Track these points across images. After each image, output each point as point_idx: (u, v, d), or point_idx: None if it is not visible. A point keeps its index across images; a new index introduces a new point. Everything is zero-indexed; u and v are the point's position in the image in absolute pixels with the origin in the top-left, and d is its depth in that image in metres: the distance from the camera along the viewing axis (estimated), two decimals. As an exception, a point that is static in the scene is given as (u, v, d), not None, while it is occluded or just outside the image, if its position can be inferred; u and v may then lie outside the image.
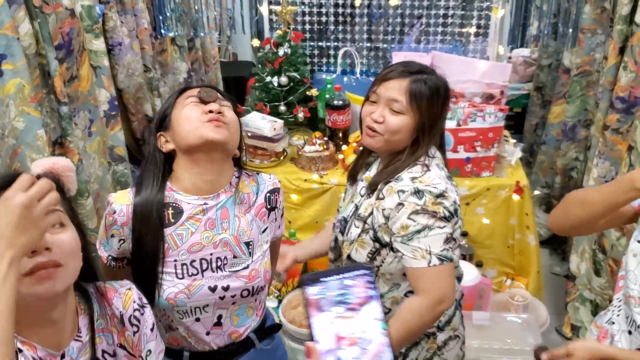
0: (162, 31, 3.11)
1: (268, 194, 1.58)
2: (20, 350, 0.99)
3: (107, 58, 2.53)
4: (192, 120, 1.40)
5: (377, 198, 1.61)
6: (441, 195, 1.53)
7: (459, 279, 1.84)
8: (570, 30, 3.33)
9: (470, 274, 2.54)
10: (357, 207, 1.69)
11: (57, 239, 1.00)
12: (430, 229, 1.52)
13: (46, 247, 0.97)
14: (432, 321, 1.62)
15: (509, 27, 3.28)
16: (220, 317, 1.52)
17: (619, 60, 2.79)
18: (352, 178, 1.81)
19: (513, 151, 2.89)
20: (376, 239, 1.62)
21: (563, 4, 3.49)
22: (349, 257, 1.68)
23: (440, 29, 3.40)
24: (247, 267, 1.51)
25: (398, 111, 1.57)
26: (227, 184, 1.50)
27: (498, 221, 2.82)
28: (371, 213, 1.62)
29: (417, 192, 1.53)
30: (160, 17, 3.08)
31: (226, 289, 1.48)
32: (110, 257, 1.47)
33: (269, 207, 1.58)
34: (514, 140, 3.08)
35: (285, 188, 2.84)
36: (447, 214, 1.53)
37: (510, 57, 4.12)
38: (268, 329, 1.67)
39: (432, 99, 1.58)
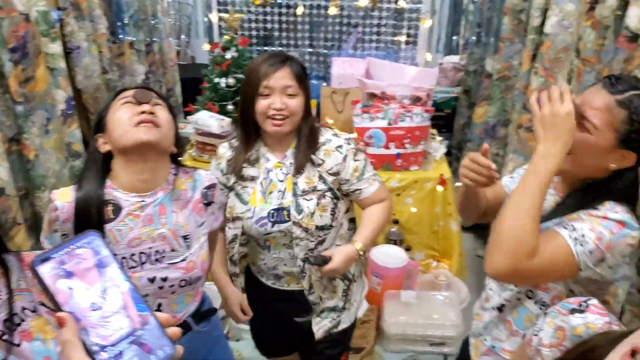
0: (121, 36, 3.19)
1: (205, 190, 1.61)
2: None
3: (65, 60, 2.58)
4: (124, 122, 1.41)
5: (317, 165, 1.77)
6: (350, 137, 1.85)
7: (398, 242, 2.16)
8: (492, 39, 3.59)
9: (399, 257, 2.70)
10: (294, 187, 1.75)
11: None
12: (366, 160, 1.84)
13: None
14: (389, 218, 1.97)
15: (437, 36, 3.46)
16: (160, 305, 1.55)
17: (531, 67, 3.04)
18: (241, 179, 1.82)
19: (438, 147, 3.09)
20: (334, 196, 1.79)
21: (486, 15, 3.75)
22: (317, 227, 1.76)
23: (374, 37, 3.58)
24: (184, 260, 1.53)
25: (293, 94, 1.70)
26: (164, 181, 1.51)
27: (424, 210, 2.98)
28: (320, 179, 1.76)
29: (348, 139, 1.81)
30: (119, 23, 3.17)
31: (165, 279, 1.51)
32: None
33: (205, 202, 1.61)
34: (440, 138, 3.27)
35: None
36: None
37: (441, 64, 4.32)
38: (204, 313, 1.71)
39: (306, 74, 1.77)
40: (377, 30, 3.57)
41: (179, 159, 1.62)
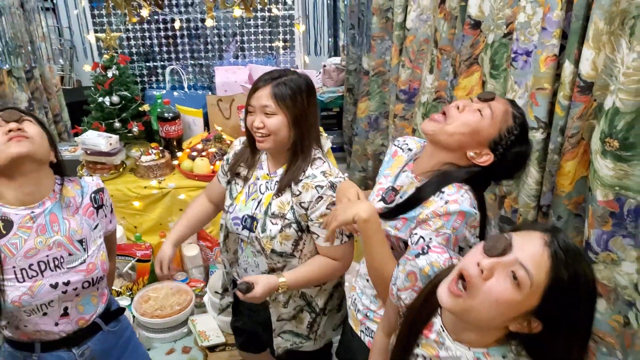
0: (-4, 64, 3.08)
1: (93, 194, 1.64)
2: None
3: None
4: None
5: (293, 195, 1.74)
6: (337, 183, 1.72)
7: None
8: (365, 38, 3.76)
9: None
10: (269, 206, 1.79)
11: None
12: None
13: None
14: (330, 278, 1.88)
15: (314, 39, 3.58)
16: (66, 308, 1.57)
17: (399, 60, 3.23)
18: (236, 175, 1.91)
19: (325, 142, 3.20)
20: (299, 229, 1.76)
21: (358, 16, 3.92)
22: (272, 251, 1.79)
23: (253, 44, 3.65)
24: (84, 262, 1.56)
25: (271, 113, 1.69)
26: (50, 191, 1.53)
27: None
28: (291, 209, 1.75)
29: (332, 186, 1.70)
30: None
31: (67, 284, 1.53)
32: None
33: (95, 205, 1.64)
34: (325, 134, 3.40)
35: (127, 197, 2.91)
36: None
37: (325, 66, 4.46)
38: (113, 313, 1.73)
39: (294, 95, 1.70)
40: (255, 38, 3.64)
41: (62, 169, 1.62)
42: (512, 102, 1.50)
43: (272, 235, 1.78)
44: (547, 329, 0.99)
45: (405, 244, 1.53)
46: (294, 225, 1.77)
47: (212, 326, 2.66)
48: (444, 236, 1.41)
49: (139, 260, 2.82)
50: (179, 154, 3.09)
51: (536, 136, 1.74)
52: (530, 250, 0.97)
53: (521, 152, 1.46)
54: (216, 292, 2.31)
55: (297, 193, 1.73)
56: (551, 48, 1.66)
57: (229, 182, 1.96)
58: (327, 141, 3.24)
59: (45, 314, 1.54)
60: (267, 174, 1.84)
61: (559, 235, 0.98)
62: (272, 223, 1.78)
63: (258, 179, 1.86)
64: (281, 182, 1.78)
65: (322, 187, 1.71)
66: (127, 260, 2.82)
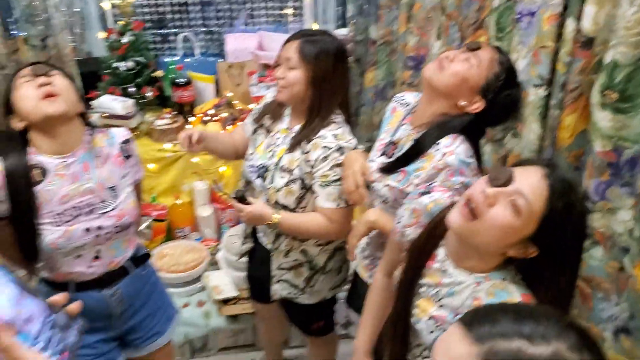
0: (14, 32, 3.14)
1: (122, 144, 1.74)
2: None
3: None
4: (29, 99, 1.50)
5: (303, 152, 1.80)
6: (354, 149, 1.78)
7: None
8: (373, 8, 3.80)
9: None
10: (280, 159, 1.86)
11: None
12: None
13: None
14: (322, 238, 1.92)
15: (322, 8, 3.62)
16: (98, 251, 1.68)
17: (407, 28, 3.28)
18: (260, 126, 1.99)
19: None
20: (303, 186, 1.83)
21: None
22: (276, 202, 1.86)
23: (263, 11, 3.70)
24: (115, 208, 1.66)
25: (292, 67, 1.75)
26: (82, 141, 1.62)
27: None
28: (298, 166, 1.81)
29: (339, 149, 1.75)
30: (9, 19, 3.11)
31: (99, 228, 1.63)
32: None
33: (124, 155, 1.74)
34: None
35: (142, 159, 2.95)
36: None
37: (332, 36, 4.52)
38: (140, 258, 1.84)
39: (319, 55, 1.74)
40: (265, 5, 3.69)
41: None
42: (499, 49, 1.58)
43: (278, 187, 1.85)
44: (542, 254, 1.08)
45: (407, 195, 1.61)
46: (299, 182, 1.83)
47: (225, 281, 2.77)
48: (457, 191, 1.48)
49: (155, 220, 2.92)
50: (192, 118, 3.16)
51: (538, 93, 1.81)
52: (529, 181, 1.06)
53: (511, 94, 1.54)
54: (235, 242, 2.38)
55: (306, 151, 1.80)
56: (554, 7, 1.72)
57: (254, 132, 2.02)
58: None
59: (78, 256, 1.64)
60: (287, 129, 1.91)
61: (556, 169, 1.08)
62: (280, 176, 1.85)
63: (278, 132, 1.93)
64: (294, 138, 1.84)
65: (329, 148, 1.76)
66: (144, 219, 2.92)
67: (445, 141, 1.53)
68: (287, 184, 1.84)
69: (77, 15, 3.70)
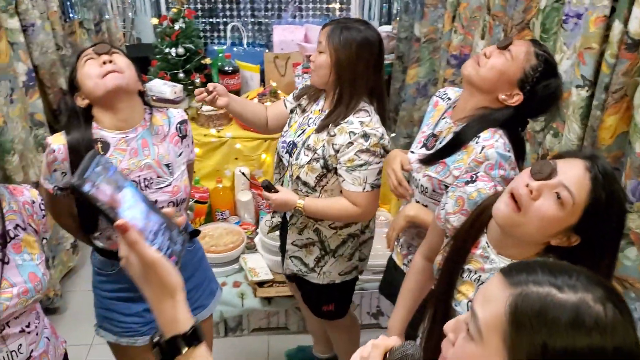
0: (71, 15, 3.28)
1: (178, 125, 1.80)
2: None
3: (23, 35, 2.69)
4: (92, 76, 1.59)
5: (329, 134, 1.85)
6: (381, 137, 1.82)
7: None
8: (419, 6, 3.84)
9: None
10: (307, 138, 1.92)
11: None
12: (370, 164, 1.82)
13: None
14: (346, 221, 1.98)
15: (368, 4, 3.66)
16: None
17: (451, 27, 3.31)
18: (298, 105, 2.07)
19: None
20: (325, 167, 1.89)
21: (412, -16, 3.99)
22: (298, 177, 1.94)
23: (311, 5, 3.77)
24: (170, 184, 1.74)
25: (321, 51, 1.83)
26: (142, 119, 1.71)
27: None
28: (322, 146, 1.87)
29: (365, 135, 1.80)
30: (68, 3, 3.25)
31: (154, 202, 1.67)
32: (56, 188, 1.67)
33: (180, 135, 1.80)
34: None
35: None
36: (383, 152, 1.84)
37: (376, 32, 4.57)
38: (189, 233, 1.94)
39: (347, 42, 1.78)
40: (313, -1, 3.77)
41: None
42: (535, 42, 1.62)
43: (301, 164, 1.91)
44: (583, 242, 1.13)
45: (447, 187, 1.66)
46: (321, 162, 1.88)
47: (261, 264, 2.85)
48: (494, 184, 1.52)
49: (197, 202, 3.02)
50: (237, 106, 3.24)
51: (581, 94, 1.83)
52: (573, 173, 1.10)
53: (549, 85, 1.58)
54: (267, 220, 2.46)
55: (333, 134, 1.85)
56: (602, 9, 1.74)
57: (292, 111, 2.10)
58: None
59: None
60: (319, 110, 1.98)
61: (598, 161, 1.11)
62: (304, 154, 1.91)
63: (312, 112, 2.00)
64: (323, 121, 1.90)
65: (355, 133, 1.80)
66: (186, 200, 3.03)
67: (485, 135, 1.57)
68: (309, 162, 1.90)
69: (128, 2, 3.85)
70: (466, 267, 1.31)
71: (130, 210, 0.91)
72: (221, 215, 3.16)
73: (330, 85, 1.88)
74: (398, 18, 4.33)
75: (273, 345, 2.84)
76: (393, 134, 3.64)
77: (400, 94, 4.45)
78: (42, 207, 1.53)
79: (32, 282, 1.39)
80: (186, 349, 0.86)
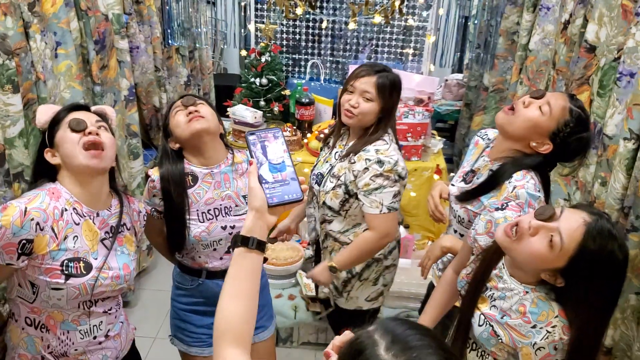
0: (170, 41, 3.63)
1: None
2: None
3: (129, 55, 3.03)
4: (180, 124, 1.81)
5: (350, 162, 1.99)
6: (395, 163, 1.95)
7: (400, 223, 2.34)
8: (489, 57, 3.99)
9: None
10: (332, 167, 2.09)
11: (104, 134, 1.58)
12: (384, 188, 1.95)
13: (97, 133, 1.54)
14: (376, 249, 2.07)
15: (440, 51, 3.85)
16: (229, 247, 1.93)
17: (518, 78, 3.43)
18: (326, 144, 2.24)
19: (436, 143, 3.47)
20: (347, 192, 2.04)
21: (485, 37, 4.15)
22: (324, 203, 2.09)
23: (386, 49, 3.98)
24: (245, 212, 1.84)
25: (369, 99, 1.96)
26: (225, 157, 1.91)
27: (422, 195, 3.28)
28: (344, 173, 2.01)
29: (379, 162, 1.94)
30: (169, 30, 3.60)
31: (232, 227, 1.91)
32: (153, 210, 1.91)
33: None
34: (439, 138, 3.68)
35: None
36: (397, 177, 1.96)
37: (447, 80, 4.71)
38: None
39: (391, 90, 1.98)
40: (389, 44, 3.95)
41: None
42: (571, 97, 1.69)
43: (327, 190, 2.07)
44: (567, 286, 1.25)
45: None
46: (343, 187, 2.02)
47: (316, 281, 3.02)
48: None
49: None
50: (309, 135, 3.49)
51: (627, 146, 1.94)
52: (570, 223, 1.22)
53: (580, 138, 1.65)
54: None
55: (353, 162, 1.99)
56: (652, 70, 1.86)
57: (321, 149, 2.29)
58: (439, 142, 3.51)
59: (215, 249, 1.93)
60: (343, 145, 2.13)
61: (601, 219, 1.21)
62: (330, 181, 2.06)
63: (337, 146, 2.16)
64: (347, 150, 2.06)
65: (370, 160, 1.95)
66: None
67: (517, 176, 1.68)
68: (333, 188, 2.04)
69: (220, 34, 4.19)
70: (487, 285, 1.45)
71: (266, 165, 1.21)
72: (284, 233, 3.36)
73: (361, 125, 2.04)
74: (469, 67, 4.48)
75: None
76: (453, 174, 3.74)
77: (464, 139, 4.58)
78: (145, 219, 1.81)
79: (124, 271, 1.64)
80: (249, 248, 1.13)
